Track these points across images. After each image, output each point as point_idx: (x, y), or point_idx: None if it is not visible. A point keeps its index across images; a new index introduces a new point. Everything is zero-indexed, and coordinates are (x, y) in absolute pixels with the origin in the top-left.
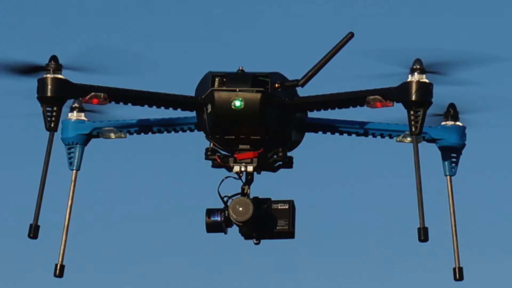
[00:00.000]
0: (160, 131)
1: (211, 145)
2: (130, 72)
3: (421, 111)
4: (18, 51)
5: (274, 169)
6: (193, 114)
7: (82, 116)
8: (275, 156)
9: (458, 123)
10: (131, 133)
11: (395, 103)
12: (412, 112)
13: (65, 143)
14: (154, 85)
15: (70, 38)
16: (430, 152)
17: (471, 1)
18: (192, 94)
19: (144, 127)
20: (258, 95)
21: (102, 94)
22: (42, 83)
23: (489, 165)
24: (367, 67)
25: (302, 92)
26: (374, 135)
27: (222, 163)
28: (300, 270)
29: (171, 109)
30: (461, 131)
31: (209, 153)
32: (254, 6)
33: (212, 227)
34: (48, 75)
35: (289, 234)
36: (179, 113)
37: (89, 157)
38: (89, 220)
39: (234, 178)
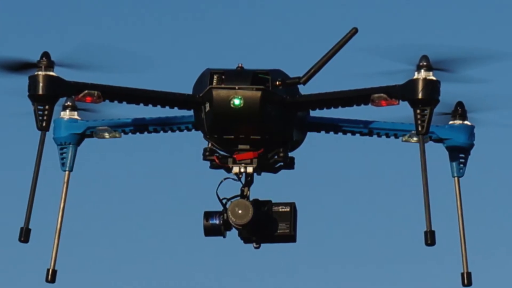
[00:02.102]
0: (156, 131)
1: (210, 145)
2: (125, 70)
3: (427, 109)
4: (9, 47)
5: (275, 170)
6: (191, 113)
7: (75, 115)
8: (275, 157)
9: (466, 122)
10: (126, 133)
11: (400, 101)
12: (418, 111)
13: (58, 143)
14: (150, 83)
15: (62, 34)
16: (437, 153)
17: None
18: (190, 92)
19: (140, 126)
20: (258, 93)
21: (96, 92)
22: (33, 81)
23: (498, 165)
24: (371, 64)
25: (304, 90)
26: (379, 135)
27: (221, 164)
28: (302, 275)
29: (167, 107)
30: (470, 131)
31: (207, 153)
32: (254, 2)
33: (210, 231)
34: (40, 72)
35: (291, 237)
36: (176, 112)
37: (83, 157)
38: (82, 223)
39: (233, 179)
